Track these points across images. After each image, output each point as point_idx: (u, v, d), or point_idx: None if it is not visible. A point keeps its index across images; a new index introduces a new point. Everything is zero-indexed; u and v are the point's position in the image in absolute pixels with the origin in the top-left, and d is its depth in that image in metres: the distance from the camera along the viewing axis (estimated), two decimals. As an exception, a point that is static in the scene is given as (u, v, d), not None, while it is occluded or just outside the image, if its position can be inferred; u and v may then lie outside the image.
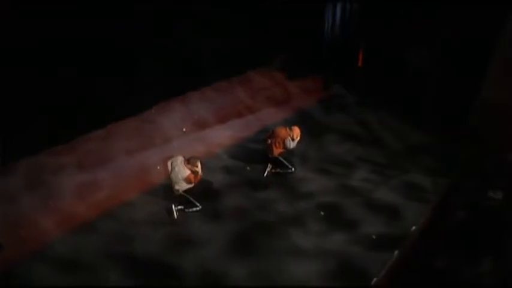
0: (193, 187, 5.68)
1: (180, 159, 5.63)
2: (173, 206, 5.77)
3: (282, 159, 6.58)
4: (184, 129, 7.60)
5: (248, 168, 6.80)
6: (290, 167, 6.65)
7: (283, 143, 6.42)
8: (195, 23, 8.33)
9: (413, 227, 5.86)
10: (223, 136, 7.56)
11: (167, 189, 5.95)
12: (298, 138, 6.54)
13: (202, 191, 5.97)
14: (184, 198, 5.81)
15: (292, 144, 6.44)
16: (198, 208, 5.81)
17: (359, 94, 9.05)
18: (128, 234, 5.43)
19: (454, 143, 7.57)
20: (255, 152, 7.02)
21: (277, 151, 6.48)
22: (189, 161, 5.64)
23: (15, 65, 5.97)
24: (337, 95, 9.24)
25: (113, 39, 7.11)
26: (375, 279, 5.04)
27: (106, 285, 4.72)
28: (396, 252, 5.48)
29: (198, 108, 8.29)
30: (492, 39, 7.18)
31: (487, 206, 6.43)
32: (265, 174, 6.65)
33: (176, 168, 5.59)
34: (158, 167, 6.53)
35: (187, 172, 5.51)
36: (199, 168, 5.60)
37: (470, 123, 7.84)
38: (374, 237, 5.66)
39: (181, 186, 5.66)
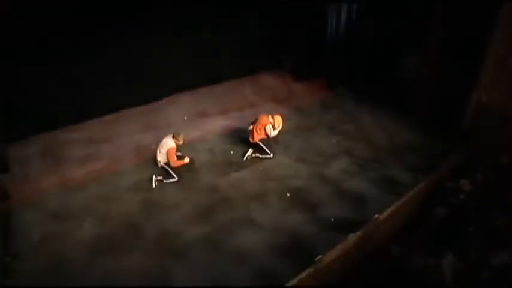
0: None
1: (169, 136, 6.37)
2: (154, 177, 6.46)
3: (262, 144, 7.03)
4: (185, 118, 8.29)
5: (232, 152, 7.34)
6: (269, 152, 7.08)
7: (264, 129, 6.88)
8: (214, 26, 9.13)
9: (376, 215, 5.94)
10: (218, 125, 8.19)
11: (152, 165, 6.79)
12: (280, 127, 6.98)
13: (183, 166, 6.60)
14: (165, 170, 6.48)
15: (272, 132, 6.88)
16: (174, 179, 6.43)
17: (359, 95, 9.18)
18: (109, 196, 6.20)
19: (446, 143, 7.45)
20: (243, 140, 7.55)
21: (257, 137, 6.96)
22: (174, 136, 6.32)
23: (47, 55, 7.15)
24: (338, 95, 9.46)
25: (136, 34, 8.17)
26: (319, 257, 5.24)
27: (80, 231, 5.48)
28: (350, 235, 5.62)
29: (204, 101, 9.02)
30: (484, 39, 7.10)
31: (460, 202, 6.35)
32: (245, 158, 7.12)
33: (163, 141, 6.29)
34: (153, 146, 7.25)
35: (172, 145, 6.18)
36: (181, 142, 6.33)
37: (465, 124, 7.71)
38: (332, 220, 5.87)
39: (163, 158, 6.38)
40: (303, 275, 5.07)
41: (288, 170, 6.89)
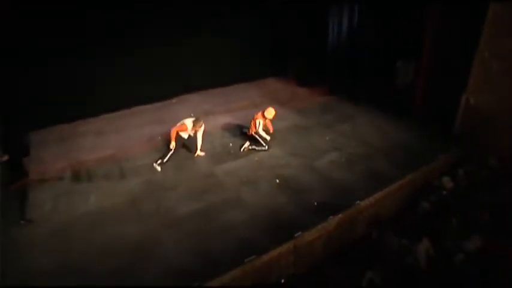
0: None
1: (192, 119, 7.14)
2: (157, 161, 7.14)
3: (258, 137, 7.59)
4: (191, 114, 8.94)
5: (231, 144, 7.94)
6: (264, 145, 7.62)
7: (255, 123, 7.46)
8: (223, 33, 9.93)
9: (357, 202, 6.35)
10: (222, 121, 8.85)
11: (161, 152, 7.46)
12: (271, 116, 7.50)
13: (186, 154, 7.39)
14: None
15: (260, 126, 7.47)
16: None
17: (358, 99, 9.67)
18: (115, 176, 6.89)
19: (437, 143, 7.81)
20: (243, 135, 8.16)
21: (253, 130, 7.53)
22: (194, 121, 7.09)
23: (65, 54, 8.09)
24: (339, 98, 9.98)
25: (150, 38, 9.11)
26: (299, 233, 5.69)
27: (86, 204, 6.15)
28: (331, 217, 6.05)
29: (210, 101, 9.72)
30: (471, 45, 7.53)
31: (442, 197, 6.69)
32: (241, 150, 7.70)
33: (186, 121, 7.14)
34: (159, 137, 7.93)
35: (186, 124, 7.02)
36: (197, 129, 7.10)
37: (456, 126, 8.06)
38: (316, 204, 6.30)
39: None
40: (283, 248, 5.54)
41: (280, 161, 7.39)
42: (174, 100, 9.42)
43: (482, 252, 5.57)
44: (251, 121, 7.66)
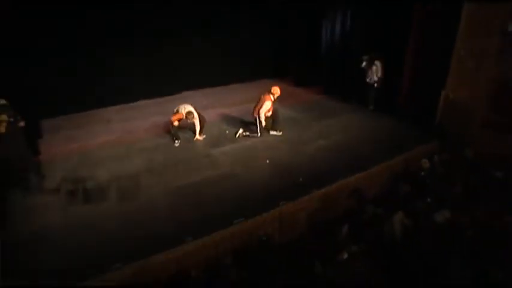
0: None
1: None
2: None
3: (257, 120, 8.26)
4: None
5: (227, 132, 8.66)
6: (257, 131, 8.30)
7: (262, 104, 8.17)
8: (225, 37, 10.76)
9: (339, 180, 6.96)
10: (220, 113, 9.55)
11: (160, 138, 8.29)
12: (278, 93, 8.20)
13: (186, 139, 8.22)
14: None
15: (266, 107, 8.19)
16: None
17: (349, 97, 10.42)
18: (120, 156, 7.63)
19: (419, 135, 8.48)
20: (239, 123, 8.94)
21: (256, 111, 8.23)
22: (189, 112, 7.96)
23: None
24: (331, 97, 10.76)
25: (156, 40, 9.95)
26: (283, 202, 6.31)
27: (92, 182, 6.83)
28: (315, 191, 6.67)
29: (211, 97, 10.49)
30: (449, 44, 8.24)
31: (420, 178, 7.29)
32: (236, 136, 8.40)
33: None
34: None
35: (189, 109, 7.93)
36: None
37: (437, 119, 8.71)
38: (301, 179, 6.94)
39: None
40: (269, 214, 6.16)
41: (271, 146, 8.09)
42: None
43: (450, 223, 6.13)
44: (257, 102, 8.29)
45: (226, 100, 10.41)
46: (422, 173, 7.36)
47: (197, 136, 8.19)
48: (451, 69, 8.30)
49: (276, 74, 12.08)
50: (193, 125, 8.10)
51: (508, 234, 5.66)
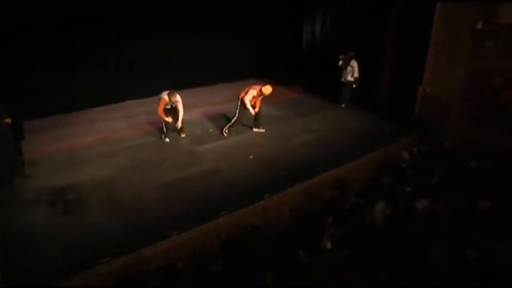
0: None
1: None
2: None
3: (239, 105, 8.46)
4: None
5: (211, 130, 8.85)
6: (236, 114, 8.52)
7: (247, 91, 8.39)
8: (209, 38, 10.92)
9: (321, 173, 7.15)
10: (204, 111, 9.72)
11: (146, 136, 8.42)
12: (268, 92, 8.34)
13: (170, 138, 8.33)
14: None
15: (250, 95, 8.33)
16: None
17: (329, 95, 10.72)
18: (106, 154, 7.72)
19: (398, 129, 8.76)
20: (223, 121, 9.13)
21: (242, 95, 8.41)
22: (169, 93, 7.97)
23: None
24: (312, 95, 11.03)
25: (143, 43, 10.07)
26: (267, 195, 6.47)
27: (79, 175, 6.87)
28: (297, 184, 6.84)
29: (196, 97, 10.63)
30: (424, 41, 8.56)
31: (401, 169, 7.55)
32: (223, 131, 8.65)
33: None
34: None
35: (163, 96, 7.96)
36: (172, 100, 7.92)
37: (415, 113, 9.01)
38: (285, 173, 7.11)
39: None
40: (253, 207, 6.30)
41: (255, 142, 8.25)
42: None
43: (428, 210, 6.37)
44: (245, 89, 8.42)
45: (210, 100, 10.57)
46: (403, 165, 7.59)
47: (179, 122, 8.20)
48: (427, 65, 8.62)
49: (259, 74, 12.28)
50: (177, 114, 8.18)
51: (482, 218, 5.93)
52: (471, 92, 8.27)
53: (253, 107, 8.49)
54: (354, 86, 10.21)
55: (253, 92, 8.30)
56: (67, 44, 9.07)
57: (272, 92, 8.45)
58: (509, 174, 6.96)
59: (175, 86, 10.54)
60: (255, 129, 8.81)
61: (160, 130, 8.50)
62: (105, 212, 5.86)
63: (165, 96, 7.84)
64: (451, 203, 6.41)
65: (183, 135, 8.42)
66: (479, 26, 8.00)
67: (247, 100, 8.29)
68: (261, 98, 8.51)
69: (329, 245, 5.91)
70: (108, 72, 9.85)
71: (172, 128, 8.39)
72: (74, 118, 9.31)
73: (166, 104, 7.94)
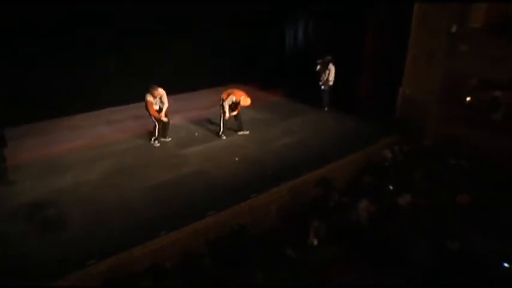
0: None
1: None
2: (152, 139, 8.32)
3: (220, 107, 8.61)
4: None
5: (196, 134, 8.90)
6: (222, 116, 8.62)
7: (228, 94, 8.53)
8: (197, 45, 11.00)
9: (305, 173, 7.26)
10: (189, 116, 9.83)
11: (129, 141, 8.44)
12: (245, 104, 8.55)
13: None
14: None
15: (230, 100, 8.49)
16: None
17: (310, 99, 10.95)
18: (90, 159, 7.63)
19: (380, 129, 9.00)
20: (208, 125, 9.31)
21: (224, 97, 8.56)
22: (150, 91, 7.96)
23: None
24: (293, 99, 11.34)
25: (130, 50, 10.08)
26: (253, 195, 6.52)
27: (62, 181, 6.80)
28: (283, 183, 6.93)
29: (182, 102, 10.65)
30: (403, 43, 8.85)
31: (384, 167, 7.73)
32: (220, 132, 8.77)
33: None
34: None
35: (149, 99, 7.94)
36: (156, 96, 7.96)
37: (396, 114, 9.26)
38: (269, 173, 7.19)
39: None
40: (240, 206, 6.35)
41: (239, 145, 8.37)
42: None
43: (411, 206, 6.55)
44: (226, 92, 8.56)
45: (194, 104, 10.61)
46: (386, 164, 7.78)
47: (163, 114, 8.16)
48: (406, 67, 8.91)
49: (242, 78, 12.39)
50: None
51: (461, 211, 6.14)
52: (448, 92, 8.56)
53: (233, 110, 8.61)
54: (322, 88, 10.49)
55: (233, 98, 8.45)
56: (48, 52, 8.95)
57: (250, 103, 8.72)
58: (486, 170, 7.23)
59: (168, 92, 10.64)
60: (239, 133, 8.90)
61: (146, 135, 8.53)
62: (90, 215, 5.82)
63: (149, 98, 7.84)
64: (432, 199, 6.59)
65: (168, 139, 8.39)
66: (453, 29, 8.32)
67: (227, 104, 8.40)
68: (239, 105, 8.61)
69: (315, 242, 5.99)
70: (89, 79, 9.75)
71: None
72: (57, 124, 9.20)
73: (155, 104, 7.93)
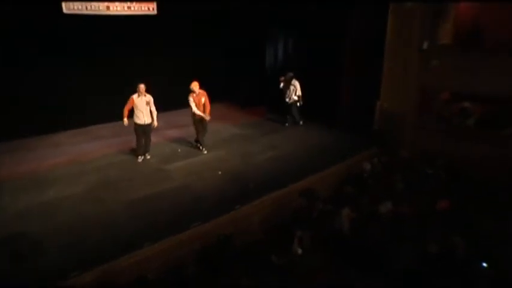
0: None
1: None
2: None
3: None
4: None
5: (179, 150, 8.98)
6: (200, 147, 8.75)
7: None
8: (177, 65, 11.18)
9: (288, 185, 7.38)
10: (172, 134, 10.01)
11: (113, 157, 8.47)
12: (194, 87, 8.59)
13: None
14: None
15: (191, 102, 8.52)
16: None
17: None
18: (73, 175, 7.58)
19: (359, 143, 9.27)
20: (190, 143, 9.31)
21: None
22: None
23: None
24: (274, 117, 11.54)
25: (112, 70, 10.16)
26: (237, 206, 6.60)
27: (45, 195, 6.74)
28: (266, 195, 7.03)
29: (164, 120, 10.62)
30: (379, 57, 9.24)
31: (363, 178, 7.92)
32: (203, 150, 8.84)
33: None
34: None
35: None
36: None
37: (375, 128, 9.56)
38: (252, 186, 7.28)
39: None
40: (224, 217, 6.40)
41: (222, 159, 8.47)
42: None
43: (392, 213, 6.71)
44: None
45: (177, 122, 10.68)
46: (365, 175, 7.97)
47: (154, 121, 8.33)
48: (383, 82, 9.27)
49: (224, 97, 12.61)
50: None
51: (440, 216, 6.33)
52: (423, 105, 8.92)
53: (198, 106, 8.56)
54: (299, 104, 10.56)
55: (190, 99, 8.49)
56: (26, 69, 8.98)
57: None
58: (461, 177, 7.52)
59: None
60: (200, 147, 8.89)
61: (130, 151, 8.64)
62: (73, 228, 5.78)
63: (134, 97, 8.03)
64: (413, 206, 6.78)
65: (148, 157, 8.44)
66: (425, 46, 8.77)
67: (192, 103, 8.45)
68: (201, 98, 8.61)
69: (300, 251, 6.04)
70: (73, 96, 9.77)
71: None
72: (38, 142, 9.10)
73: (134, 101, 7.99)
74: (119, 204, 6.46)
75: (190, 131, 9.44)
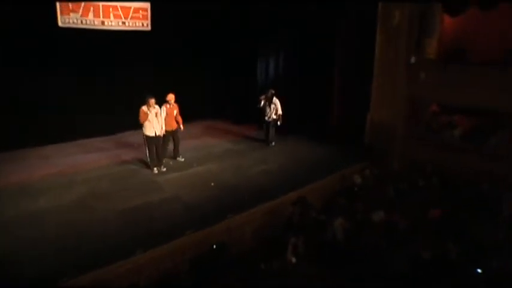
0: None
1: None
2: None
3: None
4: (135, 144, 9.83)
5: (171, 163, 8.91)
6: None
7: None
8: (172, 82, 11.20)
9: (281, 197, 7.40)
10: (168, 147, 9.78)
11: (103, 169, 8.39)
12: (169, 99, 8.64)
13: (130, 170, 8.46)
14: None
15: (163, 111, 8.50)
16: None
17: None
18: (63, 186, 7.49)
19: (350, 155, 9.37)
20: (183, 155, 9.26)
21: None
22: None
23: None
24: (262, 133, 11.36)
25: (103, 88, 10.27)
26: (230, 215, 6.58)
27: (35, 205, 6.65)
28: (259, 205, 7.03)
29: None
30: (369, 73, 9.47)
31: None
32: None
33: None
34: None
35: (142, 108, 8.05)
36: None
37: (365, 139, 9.69)
38: (246, 197, 7.28)
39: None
40: (218, 226, 6.38)
41: (215, 172, 8.45)
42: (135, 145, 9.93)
43: (384, 222, 6.75)
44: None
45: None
46: (356, 189, 8.04)
47: (161, 128, 8.41)
48: (373, 95, 9.47)
49: (215, 114, 12.73)
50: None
51: (432, 225, 6.40)
52: (412, 118, 9.11)
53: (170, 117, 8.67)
54: (279, 123, 10.18)
55: (163, 109, 8.54)
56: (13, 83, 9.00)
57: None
58: (450, 186, 7.63)
59: (131, 126, 10.71)
60: (178, 158, 9.04)
61: (123, 163, 8.69)
62: (64, 236, 5.69)
63: (144, 108, 7.99)
64: (405, 215, 6.84)
65: (164, 169, 8.54)
66: (412, 60, 9.03)
67: (165, 109, 8.52)
68: (174, 110, 8.69)
69: (294, 260, 6.02)
70: (62, 109, 9.75)
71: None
72: (30, 153, 9.04)
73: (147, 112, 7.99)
74: (111, 214, 6.39)
75: (184, 144, 9.46)
